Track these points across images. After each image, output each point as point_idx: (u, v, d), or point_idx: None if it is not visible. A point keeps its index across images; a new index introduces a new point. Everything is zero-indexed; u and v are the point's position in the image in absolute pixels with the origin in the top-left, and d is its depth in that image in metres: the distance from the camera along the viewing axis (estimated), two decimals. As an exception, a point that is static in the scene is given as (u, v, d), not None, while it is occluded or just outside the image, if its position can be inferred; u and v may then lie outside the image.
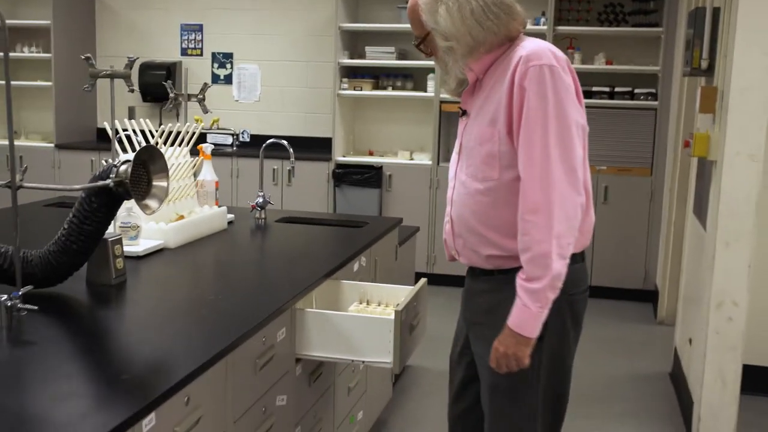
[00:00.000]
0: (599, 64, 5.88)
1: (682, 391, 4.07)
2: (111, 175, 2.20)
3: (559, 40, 5.93)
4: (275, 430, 2.30)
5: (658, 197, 5.76)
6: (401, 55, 6.25)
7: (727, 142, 3.43)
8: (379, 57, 6.21)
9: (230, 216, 3.51)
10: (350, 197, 6.14)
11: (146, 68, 6.55)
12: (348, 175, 6.14)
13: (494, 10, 2.00)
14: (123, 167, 2.21)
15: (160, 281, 2.67)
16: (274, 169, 6.19)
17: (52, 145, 6.52)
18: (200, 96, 3.42)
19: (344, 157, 6.29)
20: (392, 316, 2.43)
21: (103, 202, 2.24)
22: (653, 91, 5.79)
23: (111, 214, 2.28)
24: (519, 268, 1.97)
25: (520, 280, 1.95)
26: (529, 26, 5.74)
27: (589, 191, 2.04)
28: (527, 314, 1.94)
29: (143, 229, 2.91)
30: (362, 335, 2.45)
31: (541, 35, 5.72)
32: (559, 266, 1.91)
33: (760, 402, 4.06)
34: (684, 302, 4.41)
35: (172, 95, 3.40)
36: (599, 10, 5.99)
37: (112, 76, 2.84)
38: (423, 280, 2.81)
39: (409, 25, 2.18)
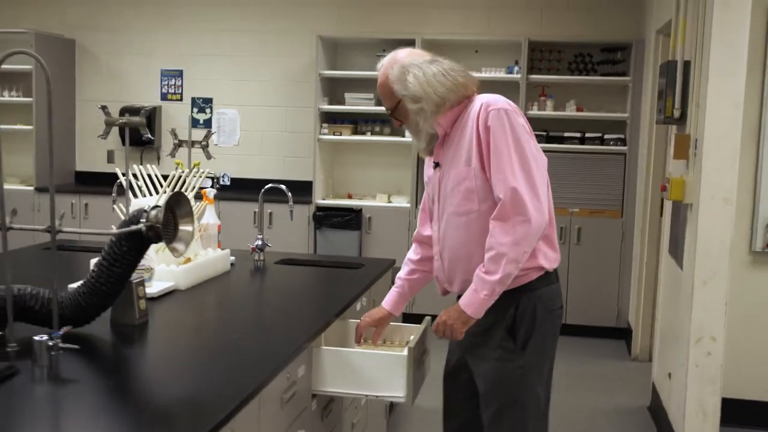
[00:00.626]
0: (570, 111, 6.15)
1: (662, 424, 4.23)
2: (142, 220, 2.31)
3: (531, 88, 6.19)
4: (296, 464, 2.40)
5: (629, 238, 5.99)
6: (379, 101, 6.42)
7: (703, 186, 3.65)
8: (358, 103, 6.40)
9: (231, 258, 3.61)
10: (331, 239, 6.26)
11: (126, 112, 6.62)
12: (328, 218, 6.27)
13: (452, 73, 2.44)
14: (153, 212, 2.32)
15: (178, 321, 2.77)
16: (255, 212, 6.29)
17: (31, 188, 6.54)
18: (204, 143, 3.54)
19: (324, 200, 6.43)
20: (405, 353, 2.56)
21: (133, 245, 2.34)
22: (622, 136, 6.05)
23: (139, 257, 2.39)
24: (509, 291, 2.38)
25: (478, 271, 2.35)
26: (503, 75, 6.09)
27: (551, 214, 2.42)
28: (475, 298, 2.35)
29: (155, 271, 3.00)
30: (376, 371, 2.57)
31: (514, 83, 6.04)
32: (511, 268, 2.31)
33: (736, 434, 4.25)
34: (661, 338, 4.60)
35: (176, 141, 3.52)
36: (570, 59, 6.27)
37: (127, 124, 2.97)
38: (428, 318, 2.94)
39: None
